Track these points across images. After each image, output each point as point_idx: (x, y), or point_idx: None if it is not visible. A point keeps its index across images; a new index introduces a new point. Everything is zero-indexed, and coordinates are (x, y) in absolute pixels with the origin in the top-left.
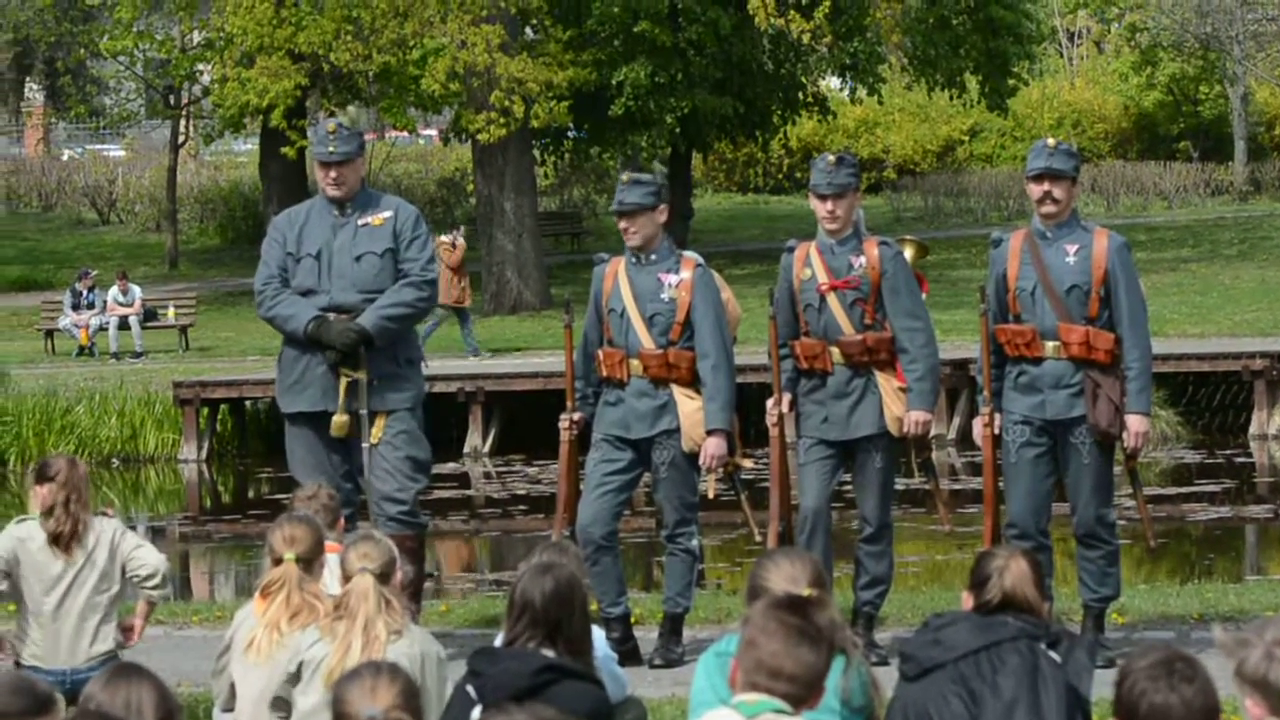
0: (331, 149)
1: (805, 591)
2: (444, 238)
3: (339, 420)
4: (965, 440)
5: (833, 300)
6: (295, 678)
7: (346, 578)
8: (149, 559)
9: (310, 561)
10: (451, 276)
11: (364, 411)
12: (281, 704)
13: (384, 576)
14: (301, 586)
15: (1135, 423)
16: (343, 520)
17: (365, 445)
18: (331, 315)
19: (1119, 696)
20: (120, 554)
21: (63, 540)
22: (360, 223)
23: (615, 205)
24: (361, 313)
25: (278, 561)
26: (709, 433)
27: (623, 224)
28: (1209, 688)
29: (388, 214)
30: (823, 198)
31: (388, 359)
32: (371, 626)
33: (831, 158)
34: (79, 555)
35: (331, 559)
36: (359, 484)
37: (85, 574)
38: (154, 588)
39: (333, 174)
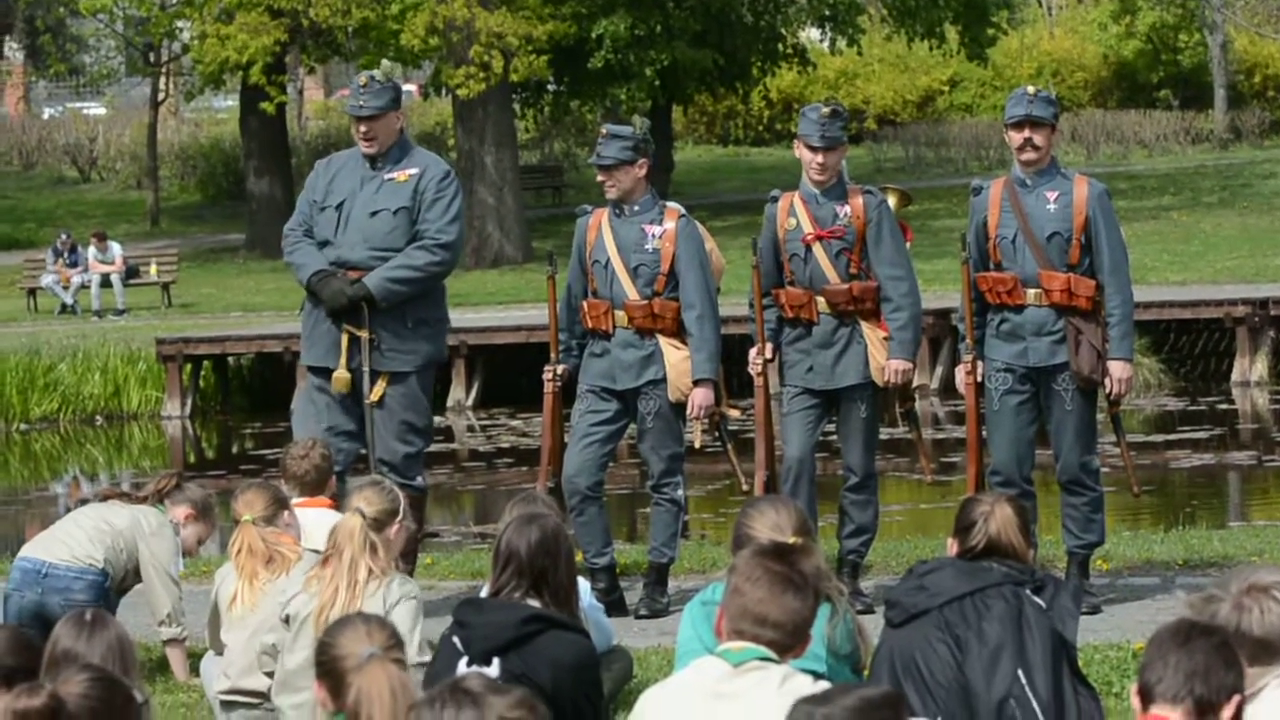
0: (361, 103)
1: (790, 539)
2: None
3: (339, 376)
4: (948, 389)
5: (818, 250)
6: (285, 624)
7: None
8: (156, 601)
9: (269, 518)
10: None
11: (365, 370)
12: (274, 652)
13: (378, 523)
14: (263, 537)
15: (1117, 369)
16: (334, 479)
17: (366, 403)
18: (340, 271)
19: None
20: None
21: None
22: (386, 177)
23: (594, 159)
24: (368, 270)
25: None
26: (696, 383)
27: (601, 177)
28: (1232, 656)
29: (414, 170)
30: (813, 149)
31: (394, 319)
32: (355, 567)
33: (826, 109)
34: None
35: (325, 514)
36: (360, 442)
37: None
38: (164, 628)
39: (363, 128)
